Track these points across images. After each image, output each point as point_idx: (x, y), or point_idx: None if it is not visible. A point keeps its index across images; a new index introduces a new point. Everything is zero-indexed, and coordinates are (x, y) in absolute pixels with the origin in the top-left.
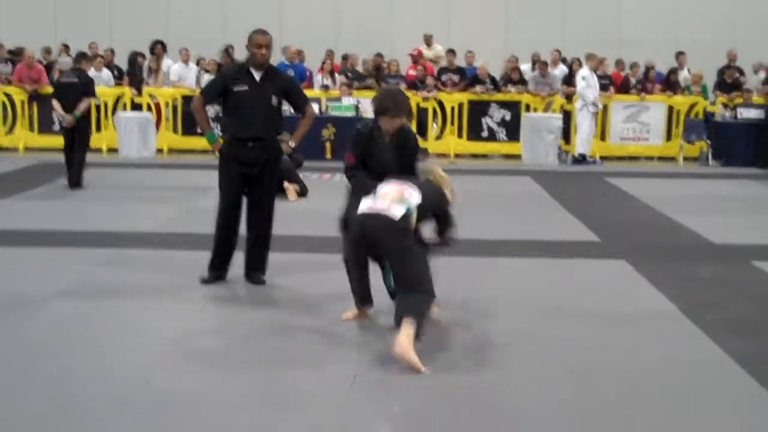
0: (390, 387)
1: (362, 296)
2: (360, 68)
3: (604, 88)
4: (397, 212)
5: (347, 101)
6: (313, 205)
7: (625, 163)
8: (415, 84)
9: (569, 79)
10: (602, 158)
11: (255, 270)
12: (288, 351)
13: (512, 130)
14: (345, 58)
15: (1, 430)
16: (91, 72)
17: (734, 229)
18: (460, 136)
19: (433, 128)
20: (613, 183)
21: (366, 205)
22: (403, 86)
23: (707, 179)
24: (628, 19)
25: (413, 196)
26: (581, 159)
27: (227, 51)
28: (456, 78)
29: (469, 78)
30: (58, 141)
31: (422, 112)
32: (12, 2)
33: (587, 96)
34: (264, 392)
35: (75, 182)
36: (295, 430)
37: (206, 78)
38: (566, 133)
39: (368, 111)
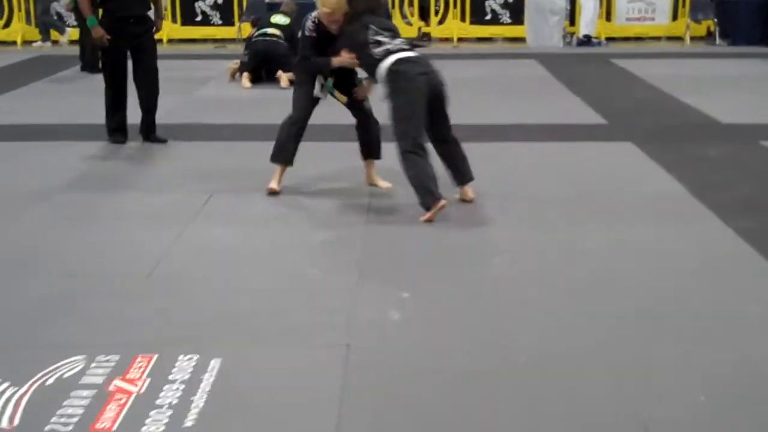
0: (397, 275)
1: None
2: None
3: None
4: None
5: None
6: None
7: (631, 43)
8: None
9: None
10: (608, 39)
11: (153, 132)
12: (294, 243)
13: (516, 13)
14: None
15: (5, 318)
16: None
17: (742, 108)
18: (462, 19)
19: (435, 13)
20: (618, 64)
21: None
22: None
23: (714, 59)
24: None
25: None
26: (586, 40)
27: None
28: None
29: None
30: (56, 34)
31: None
32: None
33: None
34: (272, 281)
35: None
36: (305, 315)
37: None
38: (571, 15)
39: None
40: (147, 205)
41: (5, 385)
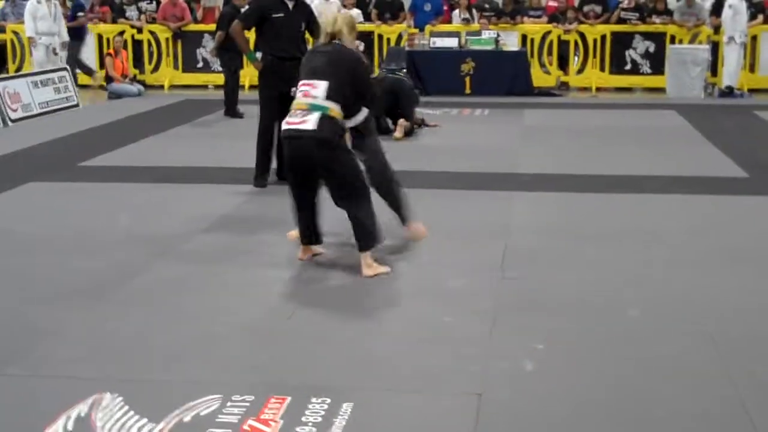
0: (531, 328)
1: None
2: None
3: (752, 17)
4: (310, 122)
5: (487, 35)
6: (450, 141)
7: None
8: (556, 16)
9: (718, 9)
10: (751, 91)
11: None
12: (428, 290)
13: (656, 63)
14: None
15: (146, 354)
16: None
17: None
18: (602, 69)
19: (574, 62)
20: (762, 117)
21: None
22: (544, 19)
23: None
24: None
25: (318, 89)
26: (728, 92)
27: None
28: (598, 9)
29: (612, 9)
30: (202, 78)
31: (563, 45)
32: None
33: (733, 26)
34: (405, 327)
35: (227, 112)
36: (437, 363)
37: None
38: (713, 66)
39: (508, 44)
40: (286, 248)
41: (143, 420)
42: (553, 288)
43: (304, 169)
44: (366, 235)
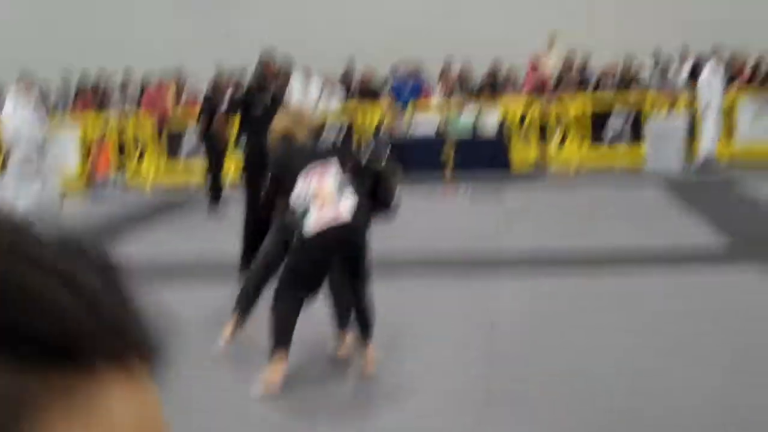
0: (519, 420)
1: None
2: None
3: (729, 81)
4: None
5: (465, 117)
6: (431, 224)
7: (755, 164)
8: (535, 93)
9: (695, 74)
10: (730, 160)
11: None
12: (415, 387)
13: (635, 136)
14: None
15: None
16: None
17: None
18: (582, 143)
19: (554, 136)
20: (742, 186)
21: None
22: (523, 95)
23: None
24: None
25: (330, 173)
26: (707, 163)
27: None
28: (576, 83)
29: (590, 83)
30: (185, 175)
31: (543, 121)
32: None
33: (710, 93)
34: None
35: (210, 207)
36: None
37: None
38: (691, 137)
39: (487, 125)
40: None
41: None
42: (541, 377)
43: (335, 256)
44: (371, 325)
